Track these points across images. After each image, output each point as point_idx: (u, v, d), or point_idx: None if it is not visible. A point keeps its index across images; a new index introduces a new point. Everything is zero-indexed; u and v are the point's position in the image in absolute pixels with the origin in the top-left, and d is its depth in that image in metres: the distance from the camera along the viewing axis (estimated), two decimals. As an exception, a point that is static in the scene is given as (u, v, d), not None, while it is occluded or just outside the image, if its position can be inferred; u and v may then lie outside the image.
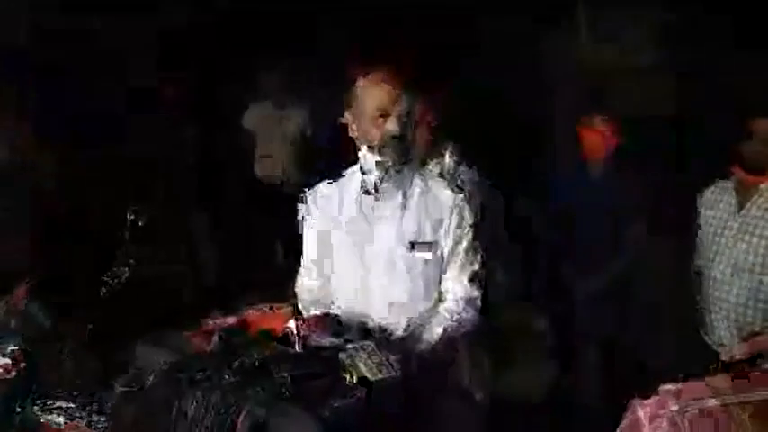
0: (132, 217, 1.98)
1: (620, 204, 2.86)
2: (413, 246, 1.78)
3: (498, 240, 2.36)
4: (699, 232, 2.54)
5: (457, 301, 1.82)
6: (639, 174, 2.98)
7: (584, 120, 2.94)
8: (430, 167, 2.23)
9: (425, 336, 1.74)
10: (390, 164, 1.74)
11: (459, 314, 1.79)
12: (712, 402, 0.77)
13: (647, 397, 0.80)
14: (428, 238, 1.79)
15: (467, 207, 1.84)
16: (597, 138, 2.88)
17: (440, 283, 1.83)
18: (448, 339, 1.76)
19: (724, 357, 1.24)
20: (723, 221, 2.39)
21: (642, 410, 0.80)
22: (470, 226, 1.83)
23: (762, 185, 2.31)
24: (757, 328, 2.30)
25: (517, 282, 2.70)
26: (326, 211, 1.87)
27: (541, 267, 3.08)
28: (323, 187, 1.91)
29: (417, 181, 1.84)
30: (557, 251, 3.04)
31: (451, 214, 1.81)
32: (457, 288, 1.83)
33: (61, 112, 3.61)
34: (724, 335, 2.42)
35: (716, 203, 2.45)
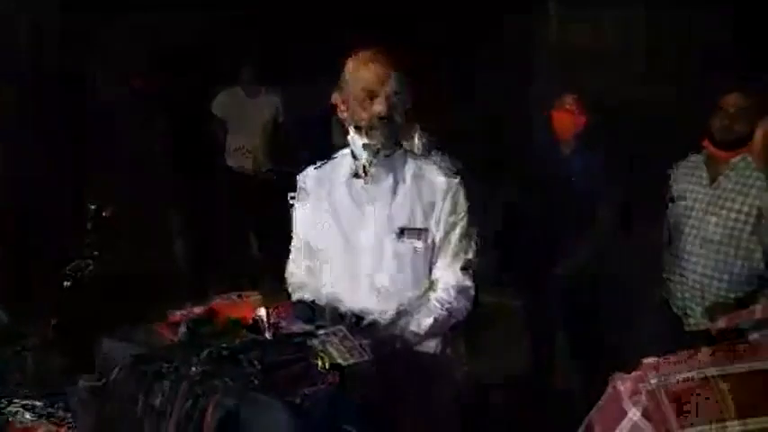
0: (94, 207, 1.92)
1: (592, 183, 2.86)
2: (402, 232, 1.72)
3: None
4: (670, 205, 2.55)
5: (448, 290, 1.75)
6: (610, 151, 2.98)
7: (555, 101, 2.93)
8: None
9: (413, 327, 1.69)
10: (379, 146, 1.68)
11: (449, 304, 1.74)
12: (692, 374, 0.76)
13: (629, 372, 0.79)
14: (419, 225, 1.73)
15: (461, 192, 1.76)
16: (567, 117, 2.87)
17: (431, 271, 1.77)
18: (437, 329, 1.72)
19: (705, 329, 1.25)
20: (694, 194, 2.41)
21: (622, 385, 0.79)
22: (465, 212, 1.76)
23: (732, 160, 2.33)
24: (721, 300, 2.34)
25: (491, 266, 2.69)
26: (316, 194, 1.82)
27: (515, 251, 3.07)
28: (313, 170, 1.86)
29: (410, 164, 1.78)
30: (530, 234, 3.03)
31: (444, 199, 1.74)
32: (449, 277, 1.76)
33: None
34: (689, 305, 2.46)
35: (687, 177, 2.47)
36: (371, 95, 1.67)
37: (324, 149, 1.99)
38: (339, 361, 1.29)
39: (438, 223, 1.74)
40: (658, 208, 2.62)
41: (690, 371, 0.76)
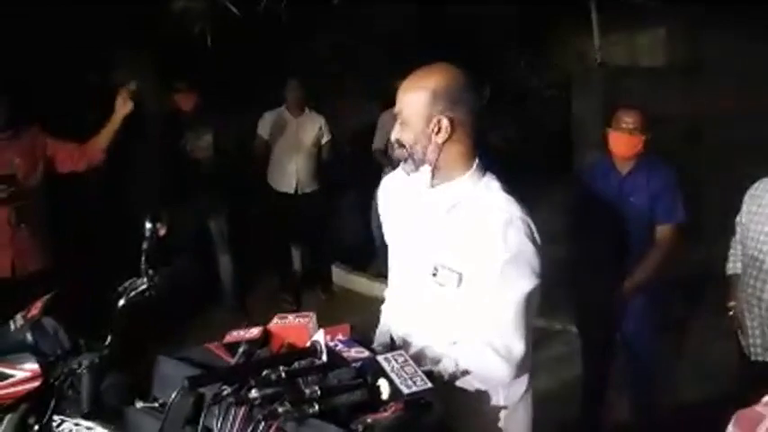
0: (150, 225, 1.92)
1: (652, 203, 2.76)
2: (436, 271, 1.49)
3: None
4: (739, 228, 2.45)
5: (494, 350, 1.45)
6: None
7: (613, 119, 2.83)
8: None
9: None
10: (407, 171, 1.57)
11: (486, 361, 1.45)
12: None
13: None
14: (456, 266, 1.47)
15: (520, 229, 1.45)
16: (625, 136, 2.76)
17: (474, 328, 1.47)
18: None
19: None
20: (766, 218, 2.30)
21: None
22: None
23: None
24: None
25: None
26: (387, 207, 1.72)
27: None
28: (387, 181, 1.74)
29: (470, 191, 1.52)
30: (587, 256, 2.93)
31: (493, 239, 1.43)
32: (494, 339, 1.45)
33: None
34: (758, 334, 2.36)
35: (760, 199, 2.36)
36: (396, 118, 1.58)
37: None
38: (402, 388, 1.24)
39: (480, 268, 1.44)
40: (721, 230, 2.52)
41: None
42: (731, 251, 2.62)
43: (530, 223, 1.46)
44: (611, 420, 3.13)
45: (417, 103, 1.50)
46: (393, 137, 1.57)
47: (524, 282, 1.43)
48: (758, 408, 0.74)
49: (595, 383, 3.04)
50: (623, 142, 2.77)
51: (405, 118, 1.53)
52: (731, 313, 2.62)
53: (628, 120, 2.75)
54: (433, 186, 1.56)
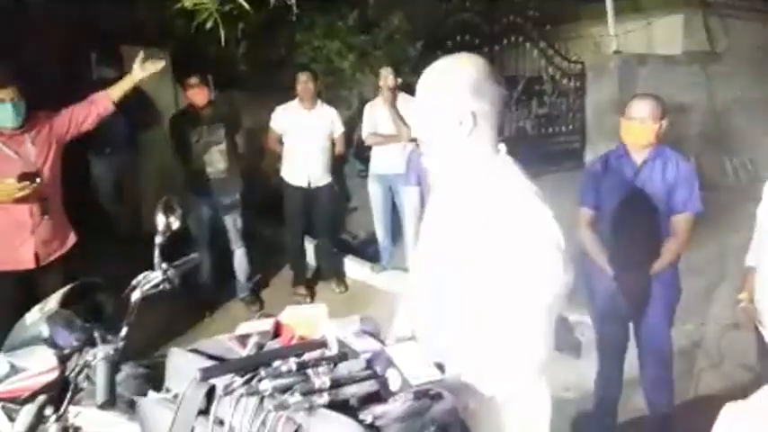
0: (163, 218, 1.94)
1: (668, 192, 2.74)
2: (459, 265, 1.44)
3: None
4: (759, 220, 2.41)
5: None
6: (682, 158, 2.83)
7: (626, 107, 2.79)
8: None
9: None
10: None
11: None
12: None
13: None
14: (479, 261, 1.39)
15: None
16: (638, 125, 2.73)
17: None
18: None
19: None
20: None
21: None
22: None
23: None
24: None
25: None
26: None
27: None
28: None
29: (494, 184, 1.46)
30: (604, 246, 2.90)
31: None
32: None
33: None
34: None
35: None
36: None
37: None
38: (411, 379, 1.24)
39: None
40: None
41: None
42: (752, 242, 2.59)
43: (553, 219, 1.39)
44: (626, 413, 3.11)
45: (439, 97, 1.45)
46: (414, 133, 1.54)
47: (548, 279, 1.36)
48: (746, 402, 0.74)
49: (610, 375, 3.02)
50: (633, 132, 2.74)
51: (426, 112, 1.48)
52: (742, 305, 2.60)
53: (638, 109, 2.72)
54: (455, 180, 1.52)
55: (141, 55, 3.38)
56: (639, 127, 2.71)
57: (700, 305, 4.03)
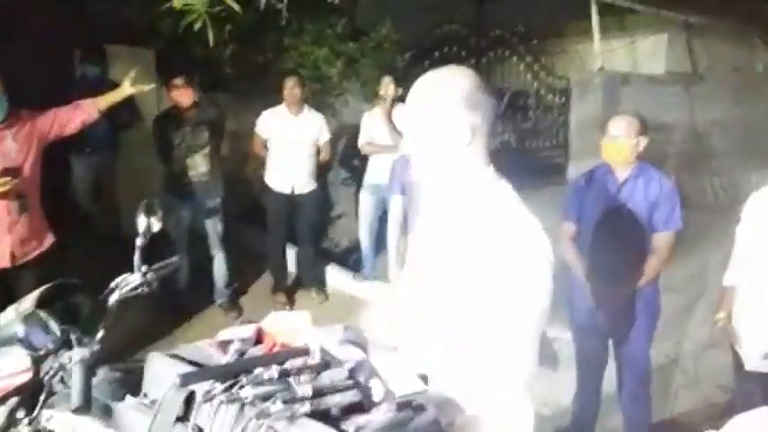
0: (144, 219, 1.91)
1: (650, 209, 2.77)
2: (449, 275, 1.43)
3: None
4: (739, 240, 2.44)
5: None
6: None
7: (609, 125, 2.83)
8: None
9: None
10: None
11: None
12: None
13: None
14: (470, 271, 1.38)
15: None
16: (620, 142, 2.77)
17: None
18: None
19: None
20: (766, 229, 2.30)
21: None
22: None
23: None
24: None
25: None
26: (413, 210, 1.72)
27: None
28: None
29: (485, 196, 1.45)
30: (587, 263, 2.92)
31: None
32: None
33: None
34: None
35: (760, 210, 2.36)
36: None
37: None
38: (394, 389, 1.23)
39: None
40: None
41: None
42: (731, 262, 2.62)
43: (542, 231, 1.39)
44: (603, 430, 3.12)
45: (435, 109, 1.43)
46: (406, 149, 1.50)
47: (539, 292, 1.35)
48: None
49: (589, 391, 3.04)
50: (610, 149, 2.80)
51: (420, 124, 1.46)
52: (720, 325, 2.63)
53: (614, 126, 2.77)
54: (446, 191, 1.50)
55: (132, 73, 3.43)
56: (615, 144, 2.77)
57: (677, 324, 4.06)
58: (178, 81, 4.35)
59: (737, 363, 2.55)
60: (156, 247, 2.02)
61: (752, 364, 2.45)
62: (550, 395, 3.31)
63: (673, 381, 3.71)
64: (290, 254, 5.24)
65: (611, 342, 2.98)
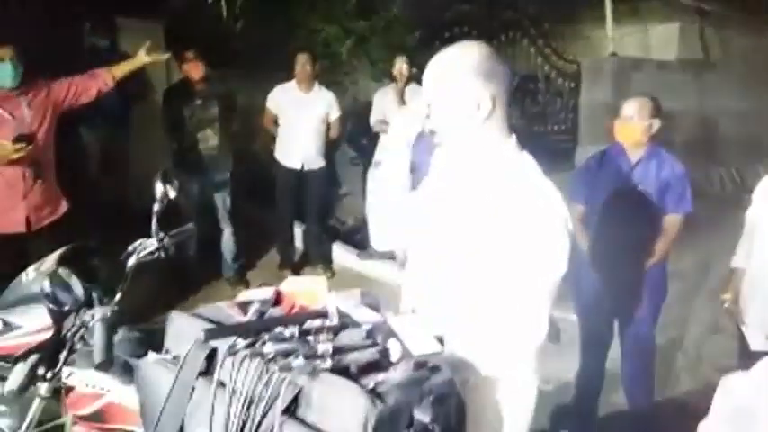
0: (161, 187, 1.94)
1: (660, 191, 2.78)
2: (468, 248, 1.44)
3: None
4: (748, 222, 2.46)
5: None
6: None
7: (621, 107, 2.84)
8: None
9: None
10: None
11: None
12: None
13: None
14: (489, 243, 1.40)
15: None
16: (634, 124, 2.78)
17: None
18: None
19: None
20: None
21: None
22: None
23: None
24: None
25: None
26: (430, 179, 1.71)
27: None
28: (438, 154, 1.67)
29: (509, 168, 1.48)
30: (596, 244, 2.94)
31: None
32: None
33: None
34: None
35: None
36: None
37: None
38: (412, 349, 1.26)
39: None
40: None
41: None
42: (740, 243, 2.65)
43: (563, 202, 1.42)
44: (606, 408, 3.16)
45: (454, 84, 1.45)
46: (429, 126, 1.51)
47: (558, 260, 1.38)
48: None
49: (592, 369, 3.07)
50: (623, 130, 2.82)
51: (440, 101, 1.47)
52: (726, 305, 2.66)
53: (628, 108, 2.79)
54: (468, 164, 1.52)
55: (148, 44, 3.48)
56: (628, 125, 2.78)
57: (681, 307, 4.09)
58: (189, 54, 4.35)
59: (742, 344, 2.58)
60: (166, 220, 2.05)
61: (757, 344, 2.48)
62: (553, 372, 3.35)
63: (674, 363, 3.75)
64: (298, 231, 5.27)
65: (615, 322, 3.01)
